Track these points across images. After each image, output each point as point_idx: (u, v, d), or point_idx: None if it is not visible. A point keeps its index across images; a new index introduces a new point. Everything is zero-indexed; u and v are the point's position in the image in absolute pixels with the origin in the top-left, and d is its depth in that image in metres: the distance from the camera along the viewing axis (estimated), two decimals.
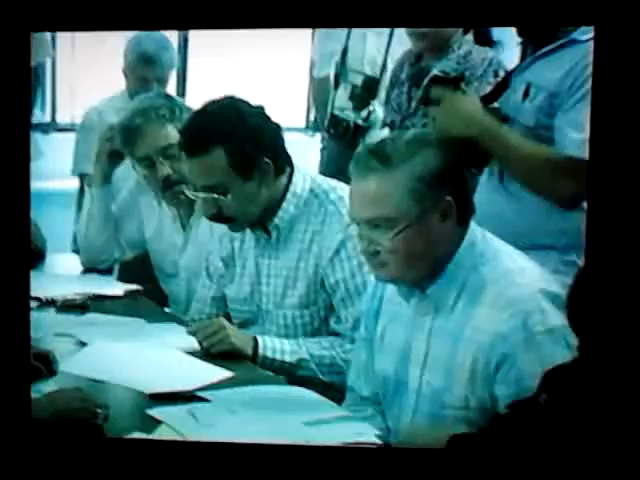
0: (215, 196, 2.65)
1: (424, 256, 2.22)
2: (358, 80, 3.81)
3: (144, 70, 4.15)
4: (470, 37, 3.37)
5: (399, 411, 2.33)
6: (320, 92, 4.21)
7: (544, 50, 2.58)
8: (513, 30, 2.74)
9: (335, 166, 3.63)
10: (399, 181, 2.17)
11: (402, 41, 3.73)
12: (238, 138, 2.63)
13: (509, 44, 3.10)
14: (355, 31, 3.82)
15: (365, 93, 3.78)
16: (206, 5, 2.22)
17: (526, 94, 2.61)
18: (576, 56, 2.50)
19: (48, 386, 2.42)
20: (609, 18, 2.03)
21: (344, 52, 3.87)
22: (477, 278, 2.21)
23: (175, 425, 2.27)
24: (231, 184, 2.65)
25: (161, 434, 2.25)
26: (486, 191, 2.66)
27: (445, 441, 2.06)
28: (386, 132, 3.40)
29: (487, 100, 2.69)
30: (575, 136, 2.46)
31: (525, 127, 2.60)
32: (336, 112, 3.94)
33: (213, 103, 2.79)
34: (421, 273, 2.24)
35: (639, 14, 2.02)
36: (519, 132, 2.59)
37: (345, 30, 3.83)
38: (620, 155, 2.02)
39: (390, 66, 3.75)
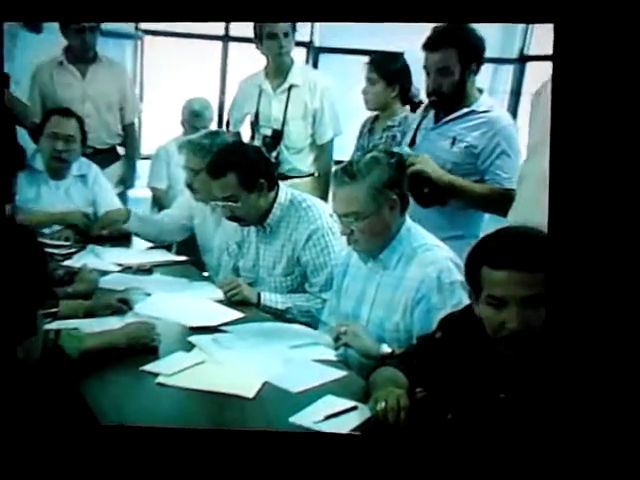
0: (230, 204, 2.71)
1: (380, 235, 2.28)
2: (268, 132, 3.74)
3: (194, 122, 4.18)
4: (408, 107, 3.41)
5: None
6: None
7: (451, 117, 2.71)
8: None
9: None
10: (362, 189, 2.23)
11: (298, 103, 3.72)
12: (244, 166, 2.69)
13: None
14: (263, 99, 3.76)
15: (273, 141, 3.72)
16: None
17: (453, 143, 2.70)
18: (482, 125, 2.66)
19: (125, 320, 2.41)
20: (568, 17, 1.70)
21: (257, 114, 3.74)
22: (411, 249, 2.28)
23: (204, 348, 2.25)
24: (240, 196, 2.70)
25: (197, 353, 2.22)
26: None
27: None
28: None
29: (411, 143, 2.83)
30: (505, 176, 2.64)
31: (453, 163, 2.70)
32: None
33: (228, 146, 2.92)
34: (377, 245, 2.30)
35: (597, 14, 1.68)
36: (449, 166, 2.69)
37: (255, 97, 3.77)
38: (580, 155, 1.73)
39: (289, 122, 3.71)
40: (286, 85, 3.70)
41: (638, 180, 1.72)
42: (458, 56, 2.56)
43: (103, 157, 3.91)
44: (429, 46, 2.59)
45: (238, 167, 2.67)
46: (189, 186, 3.12)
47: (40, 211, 3.33)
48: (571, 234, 1.74)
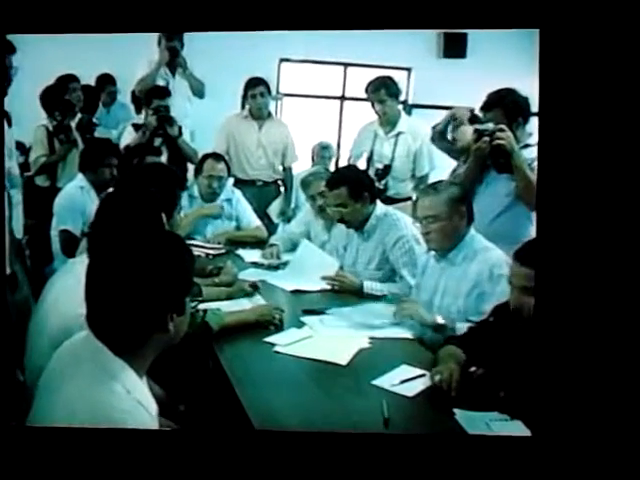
0: (341, 209, 2.77)
1: (449, 236, 2.26)
2: (380, 166, 3.73)
3: (320, 159, 4.24)
4: None
5: None
6: None
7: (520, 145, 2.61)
8: None
9: None
10: (441, 199, 2.25)
11: (404, 145, 3.67)
12: (353, 182, 2.75)
13: None
14: (377, 141, 3.73)
15: (383, 172, 3.70)
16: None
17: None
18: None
19: (254, 302, 2.42)
20: (553, 21, 1.47)
21: (371, 152, 3.72)
22: (473, 251, 2.25)
23: (312, 326, 2.24)
24: (348, 204, 2.76)
25: (306, 330, 2.18)
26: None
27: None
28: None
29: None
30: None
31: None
32: None
33: (342, 168, 3.25)
34: (447, 245, 2.28)
35: (583, 18, 1.46)
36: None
37: (371, 140, 3.70)
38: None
39: (396, 159, 3.69)
40: (395, 132, 3.77)
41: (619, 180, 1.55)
42: (504, 113, 2.62)
43: (268, 188, 3.97)
44: (483, 108, 2.70)
45: (349, 182, 2.75)
46: (318, 209, 3.17)
47: None
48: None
